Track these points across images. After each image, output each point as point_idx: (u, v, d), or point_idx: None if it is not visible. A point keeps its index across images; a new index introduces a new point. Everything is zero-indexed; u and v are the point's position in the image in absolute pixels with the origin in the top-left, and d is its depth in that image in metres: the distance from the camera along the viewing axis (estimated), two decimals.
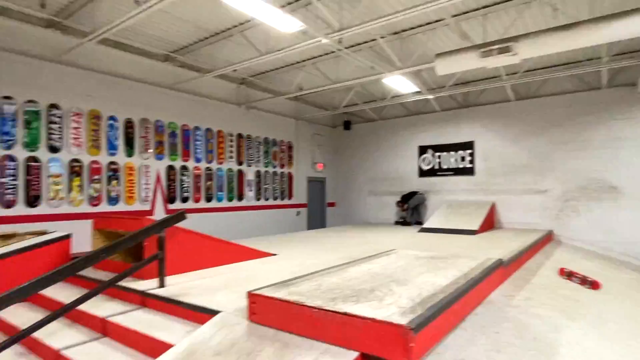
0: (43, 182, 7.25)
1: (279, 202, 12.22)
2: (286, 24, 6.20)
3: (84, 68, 7.82)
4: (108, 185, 8.05)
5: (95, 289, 3.85)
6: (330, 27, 6.84)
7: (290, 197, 12.66)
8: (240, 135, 10.94)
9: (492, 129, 11.46)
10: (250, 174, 11.23)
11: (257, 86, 11.17)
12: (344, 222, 13.92)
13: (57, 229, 6.14)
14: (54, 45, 7.35)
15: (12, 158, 6.94)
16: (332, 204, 14.69)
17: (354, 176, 14.42)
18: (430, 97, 10.69)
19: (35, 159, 7.17)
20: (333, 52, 8.91)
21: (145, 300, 4.24)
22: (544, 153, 10.59)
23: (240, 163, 10.91)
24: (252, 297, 3.25)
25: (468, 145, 11.82)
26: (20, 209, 7.02)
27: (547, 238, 9.50)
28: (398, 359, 2.47)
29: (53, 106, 7.41)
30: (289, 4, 6.83)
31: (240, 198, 10.85)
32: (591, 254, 8.49)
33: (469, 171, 11.79)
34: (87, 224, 6.18)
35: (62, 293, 4.64)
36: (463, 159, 11.91)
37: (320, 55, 9.25)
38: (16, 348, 3.93)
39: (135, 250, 5.24)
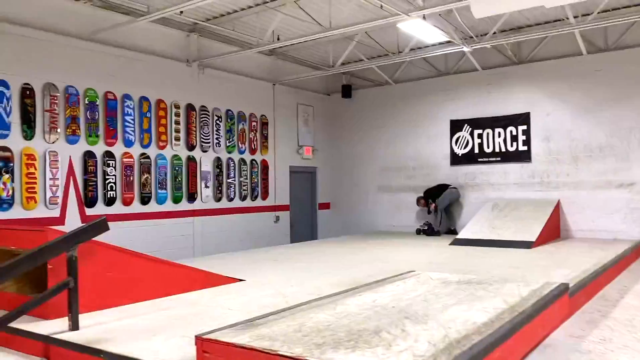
0: None
1: (249, 203, 12.21)
2: None
3: None
4: None
5: None
6: None
7: (265, 196, 12.66)
8: (190, 107, 10.88)
9: (555, 95, 11.50)
10: (206, 164, 11.19)
11: (214, 35, 11.08)
12: (343, 232, 13.96)
13: None
14: None
15: None
16: (325, 206, 14.71)
17: (357, 165, 14.44)
18: (466, 49, 10.70)
19: None
20: None
21: (49, 349, 4.18)
22: (630, 129, 10.67)
23: (191, 147, 10.87)
24: (203, 343, 3.24)
25: (522, 119, 11.87)
26: None
27: (636, 252, 9.58)
28: None
29: None
30: None
31: (191, 198, 10.82)
32: None
33: (523, 156, 11.86)
34: None
35: None
36: (514, 138, 11.96)
37: None
38: None
39: (36, 277, 5.21)
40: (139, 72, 9.95)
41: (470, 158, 12.57)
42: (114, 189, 9.42)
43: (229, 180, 11.72)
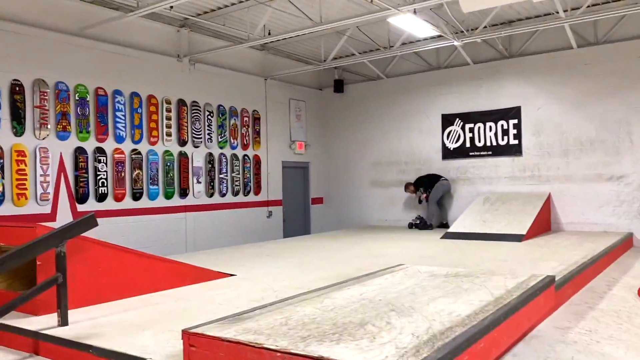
0: None
1: (241, 198, 12.22)
2: None
3: None
4: None
5: None
6: None
7: (257, 191, 12.68)
8: (182, 103, 10.87)
9: (546, 88, 11.55)
10: (198, 159, 11.19)
11: (205, 30, 11.07)
12: (336, 226, 14.00)
13: None
14: None
15: None
16: (318, 200, 14.74)
17: (349, 160, 14.47)
18: (457, 43, 10.72)
19: None
20: None
21: (38, 344, 4.21)
22: (620, 123, 10.73)
23: (182, 143, 10.86)
24: (190, 337, 3.27)
25: (512, 113, 11.92)
26: None
27: (625, 244, 9.68)
28: None
29: None
30: None
31: (183, 194, 10.83)
32: None
33: (513, 150, 11.92)
34: None
35: None
36: (505, 132, 12.02)
37: None
38: None
39: (27, 273, 5.22)
40: (129, 67, 9.93)
41: (461, 152, 12.61)
42: (105, 185, 9.42)
43: (221, 176, 11.73)
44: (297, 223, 14.08)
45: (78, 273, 4.82)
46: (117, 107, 9.66)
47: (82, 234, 4.76)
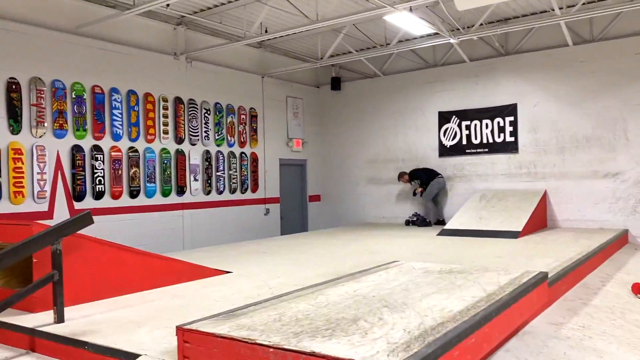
0: None
1: (238, 196, 12.25)
2: None
3: None
4: None
5: None
6: None
7: (255, 188, 12.70)
8: (179, 100, 10.88)
9: (542, 86, 11.57)
10: (195, 157, 11.21)
11: (202, 28, 11.08)
12: (334, 223, 14.04)
13: None
14: None
15: None
16: (316, 198, 14.77)
17: (347, 157, 14.50)
18: (453, 40, 10.74)
19: None
20: None
21: (34, 341, 4.23)
22: (616, 120, 10.76)
23: (179, 141, 10.88)
24: (184, 333, 3.30)
25: (508, 111, 11.95)
26: None
27: (620, 241, 9.73)
28: None
29: None
30: None
31: (180, 192, 10.85)
32: None
33: (510, 147, 11.95)
34: None
35: None
36: (502, 129, 12.05)
37: None
38: None
39: (24, 271, 5.25)
40: (126, 65, 9.94)
41: (458, 149, 12.64)
42: (102, 182, 9.43)
43: (218, 173, 11.75)
44: (295, 220, 14.10)
45: (74, 270, 4.85)
46: (113, 105, 9.67)
47: (78, 232, 4.78)
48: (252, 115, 12.70)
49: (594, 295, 6.16)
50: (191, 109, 11.13)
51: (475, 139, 12.39)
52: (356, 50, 12.56)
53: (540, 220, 10.93)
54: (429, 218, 12.50)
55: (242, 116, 12.41)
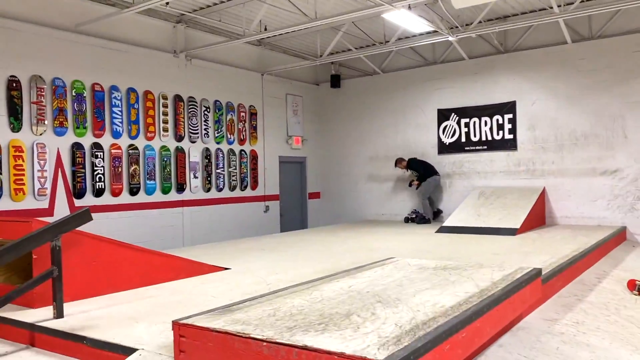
0: None
1: (238, 193, 12.31)
2: None
3: None
4: None
5: None
6: None
7: (254, 186, 12.75)
8: (178, 98, 10.93)
9: (540, 83, 11.61)
10: (194, 154, 11.26)
11: (201, 26, 11.13)
12: (333, 221, 14.09)
13: None
14: None
15: None
16: (315, 195, 14.82)
17: (346, 155, 14.54)
18: (451, 38, 10.78)
19: None
20: None
21: (34, 336, 4.30)
22: (614, 117, 10.79)
23: (179, 138, 10.93)
24: (180, 328, 3.35)
25: (507, 108, 11.99)
26: None
27: (617, 238, 9.77)
28: None
29: None
30: None
31: (180, 189, 10.91)
32: None
33: (508, 144, 12.00)
34: None
35: None
36: (501, 127, 12.09)
37: None
38: None
39: (24, 268, 5.31)
40: (126, 63, 10.00)
41: (457, 147, 12.69)
42: (102, 180, 9.49)
43: (218, 171, 11.80)
44: (294, 218, 14.16)
45: (73, 266, 4.92)
46: (113, 103, 9.72)
47: (78, 229, 4.84)
48: (252, 113, 12.75)
49: (589, 292, 6.20)
50: (191, 106, 11.18)
51: (474, 136, 12.44)
52: (355, 48, 12.60)
53: (538, 217, 10.97)
54: (428, 215, 12.55)
55: (242, 114, 12.46)
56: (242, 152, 12.45)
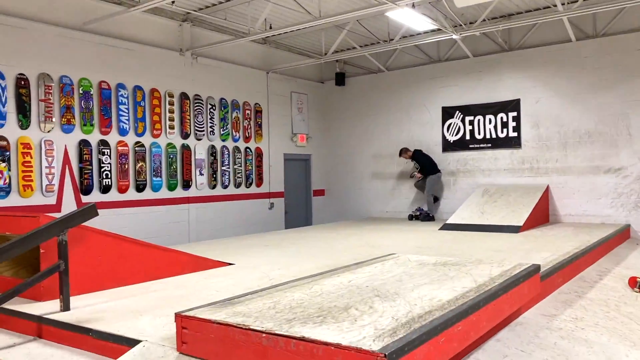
0: None
1: (243, 190, 12.38)
2: None
3: None
4: None
5: None
6: None
7: (259, 183, 12.83)
8: (184, 96, 11.02)
9: (545, 81, 11.63)
10: (200, 152, 11.35)
11: (207, 24, 11.22)
12: (338, 218, 14.17)
13: None
14: None
15: None
16: (320, 192, 14.89)
17: (351, 152, 14.60)
18: (456, 36, 10.81)
19: None
20: None
21: (41, 328, 4.39)
22: (618, 115, 10.80)
23: (185, 136, 11.02)
24: (183, 320, 3.43)
25: (512, 106, 12.01)
26: None
27: (621, 236, 9.78)
28: None
29: None
30: None
31: (186, 186, 11.00)
32: None
33: (513, 142, 12.03)
34: None
35: None
36: (505, 125, 12.11)
37: None
38: None
39: (32, 262, 5.40)
40: (132, 61, 10.09)
41: (461, 144, 12.72)
42: (109, 176, 9.59)
43: (223, 168, 11.88)
44: (299, 215, 14.24)
45: (79, 261, 5.00)
46: (120, 101, 9.82)
47: (84, 224, 4.93)
48: (257, 111, 12.82)
49: (589, 289, 6.23)
50: (197, 104, 11.27)
51: (479, 134, 12.47)
52: (360, 46, 12.65)
53: (542, 215, 10.99)
54: (432, 212, 12.59)
55: (247, 111, 12.54)
56: (248, 150, 12.53)
